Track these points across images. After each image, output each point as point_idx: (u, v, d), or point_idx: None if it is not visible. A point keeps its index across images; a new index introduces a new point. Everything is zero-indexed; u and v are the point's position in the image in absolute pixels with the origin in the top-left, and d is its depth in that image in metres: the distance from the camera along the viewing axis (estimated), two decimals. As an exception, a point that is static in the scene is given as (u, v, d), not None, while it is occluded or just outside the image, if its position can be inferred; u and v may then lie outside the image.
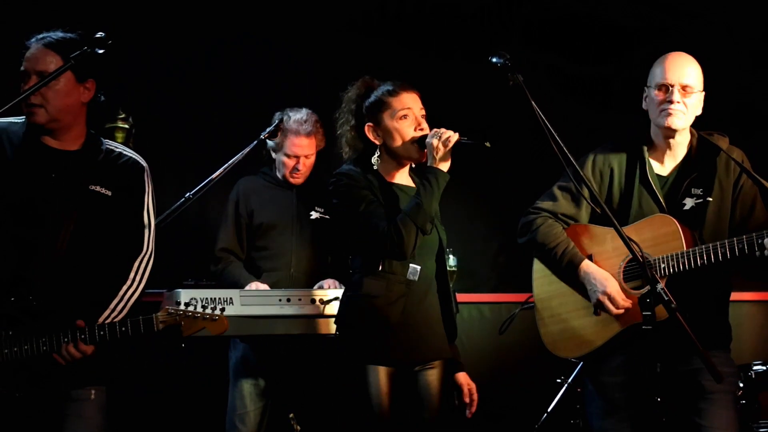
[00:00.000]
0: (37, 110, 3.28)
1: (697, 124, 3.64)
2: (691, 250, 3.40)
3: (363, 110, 3.76)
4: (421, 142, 3.68)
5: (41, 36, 3.35)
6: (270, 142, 4.62)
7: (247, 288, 4.36)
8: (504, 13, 6.22)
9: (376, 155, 3.73)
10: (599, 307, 3.55)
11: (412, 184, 3.79)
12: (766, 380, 4.40)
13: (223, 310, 3.31)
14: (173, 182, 5.35)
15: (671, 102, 3.51)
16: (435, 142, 3.61)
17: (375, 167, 3.73)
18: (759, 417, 4.36)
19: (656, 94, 3.55)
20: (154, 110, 5.48)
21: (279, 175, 4.70)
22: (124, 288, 3.36)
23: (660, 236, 3.47)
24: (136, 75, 5.23)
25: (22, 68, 3.33)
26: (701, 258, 3.37)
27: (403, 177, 3.78)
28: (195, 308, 3.29)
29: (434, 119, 6.16)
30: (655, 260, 3.45)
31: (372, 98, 3.74)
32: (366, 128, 3.74)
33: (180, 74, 5.63)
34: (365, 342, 3.59)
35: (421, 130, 3.70)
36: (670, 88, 3.52)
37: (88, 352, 3.22)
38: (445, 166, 3.62)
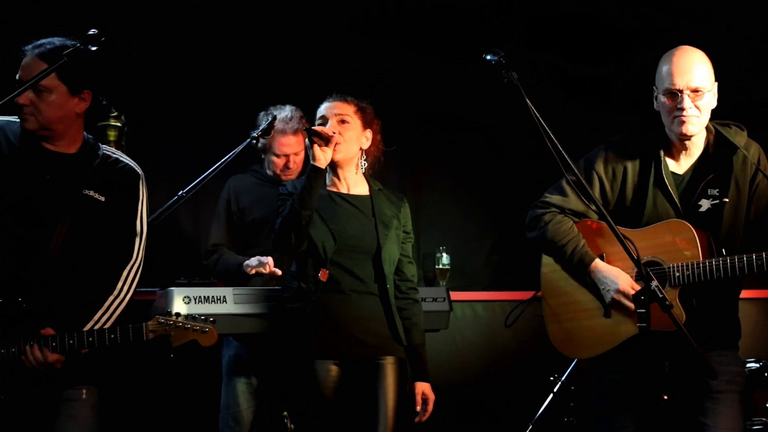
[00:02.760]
0: (29, 117, 3.27)
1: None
2: (707, 261, 3.34)
3: None
4: None
5: (38, 44, 3.31)
6: (259, 143, 4.62)
7: (248, 262, 4.37)
8: (504, 13, 6.22)
9: None
10: (614, 306, 3.49)
11: (361, 191, 3.92)
12: (760, 378, 4.40)
13: (213, 322, 3.29)
14: (166, 180, 5.35)
15: (683, 109, 3.41)
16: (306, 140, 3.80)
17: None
18: (753, 414, 4.36)
19: (666, 101, 3.46)
20: (148, 108, 5.48)
21: (269, 172, 4.70)
22: (111, 298, 3.34)
23: (675, 243, 3.42)
24: (129, 73, 5.22)
25: (17, 76, 3.31)
26: (717, 271, 3.32)
27: (343, 185, 3.89)
28: (186, 319, 3.28)
29: (434, 119, 6.20)
30: (669, 268, 3.41)
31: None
32: None
33: (176, 72, 5.63)
34: (293, 336, 3.73)
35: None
36: (680, 95, 3.41)
37: (55, 359, 3.19)
38: (317, 162, 3.72)
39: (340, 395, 3.69)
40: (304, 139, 4.65)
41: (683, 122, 3.44)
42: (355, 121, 3.86)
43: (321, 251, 3.72)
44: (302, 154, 4.67)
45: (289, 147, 4.61)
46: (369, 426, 3.72)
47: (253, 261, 4.37)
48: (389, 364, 3.77)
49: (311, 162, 3.72)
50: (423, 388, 3.89)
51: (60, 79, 3.26)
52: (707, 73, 3.45)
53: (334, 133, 3.74)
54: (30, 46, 3.32)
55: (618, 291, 3.46)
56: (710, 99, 3.46)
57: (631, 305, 3.42)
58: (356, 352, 3.72)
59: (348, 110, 3.87)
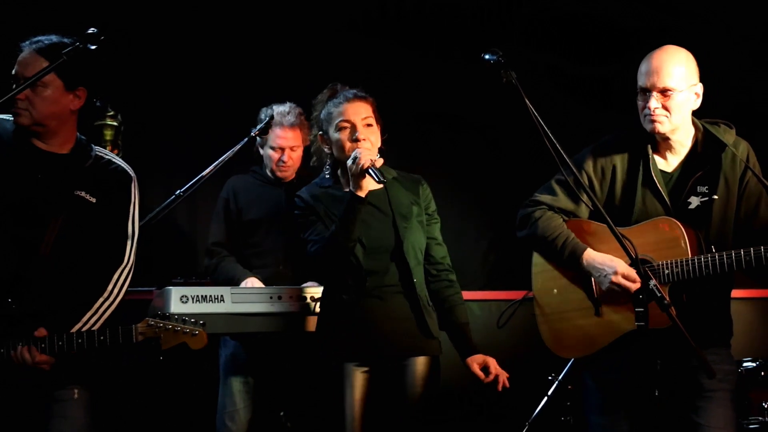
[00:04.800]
0: (22, 112, 3.27)
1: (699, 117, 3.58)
2: (695, 258, 3.36)
3: (319, 121, 3.81)
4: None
5: (35, 39, 3.32)
6: (258, 139, 4.61)
7: (242, 285, 4.37)
8: (504, 13, 6.22)
9: (327, 164, 3.81)
10: (611, 293, 3.47)
11: (375, 186, 3.71)
12: (755, 377, 4.41)
13: (203, 324, 3.29)
14: (165, 180, 5.35)
15: (650, 108, 3.44)
16: (349, 164, 3.60)
17: (328, 176, 3.80)
18: (749, 414, 4.37)
19: (638, 98, 3.50)
20: (148, 108, 5.48)
21: (268, 171, 4.71)
22: (100, 300, 3.33)
23: (664, 241, 3.43)
24: (129, 72, 5.22)
25: (13, 72, 3.31)
26: (706, 268, 3.34)
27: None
28: (176, 322, 3.27)
29: (434, 119, 6.20)
30: (658, 265, 3.42)
31: (324, 109, 3.79)
32: (319, 138, 3.82)
33: (175, 72, 5.64)
34: (323, 339, 3.68)
35: (356, 141, 3.67)
36: (648, 94, 3.45)
37: (43, 361, 3.19)
38: (361, 192, 3.59)
39: (369, 397, 3.63)
40: (302, 136, 4.64)
41: (651, 121, 3.47)
42: (375, 122, 3.76)
43: (354, 260, 3.64)
44: (299, 151, 4.67)
45: (285, 140, 4.61)
46: (395, 426, 3.66)
47: (248, 283, 4.39)
48: (419, 365, 3.69)
49: (352, 190, 3.59)
50: (477, 360, 3.76)
51: (56, 75, 3.25)
52: (681, 74, 3.44)
53: (377, 157, 3.62)
54: (27, 42, 3.33)
55: (616, 273, 3.45)
56: (684, 99, 3.46)
57: (632, 286, 3.39)
58: (386, 354, 3.65)
59: (370, 111, 3.74)
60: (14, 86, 3.26)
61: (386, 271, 3.69)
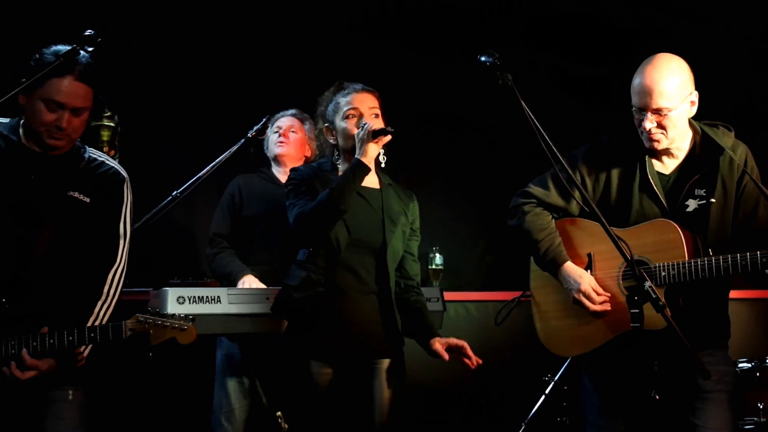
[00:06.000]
0: (65, 138, 3.25)
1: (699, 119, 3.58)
2: (692, 261, 3.36)
3: (326, 113, 3.87)
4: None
5: (81, 67, 3.19)
6: (264, 145, 4.66)
7: (239, 283, 4.39)
8: (504, 13, 6.23)
9: (335, 155, 3.84)
10: (578, 305, 3.52)
11: (372, 184, 3.82)
12: (751, 378, 4.41)
13: (193, 320, 3.29)
14: (160, 180, 5.35)
15: (644, 128, 3.44)
16: (358, 131, 3.68)
17: (338, 166, 3.82)
18: (745, 414, 4.37)
19: (634, 113, 3.48)
20: (148, 108, 5.49)
21: (274, 171, 4.75)
22: (99, 304, 3.34)
23: (661, 243, 3.43)
24: (124, 72, 5.22)
25: (55, 99, 3.17)
26: (702, 271, 3.34)
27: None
28: (164, 317, 3.27)
29: (433, 119, 6.19)
30: (655, 267, 3.42)
31: (331, 102, 3.84)
32: (325, 130, 3.86)
33: (175, 72, 5.65)
34: (294, 334, 3.70)
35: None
36: (642, 113, 3.43)
37: (33, 366, 3.19)
38: (366, 158, 3.66)
39: (335, 397, 3.64)
40: (301, 125, 4.68)
41: (649, 140, 3.48)
42: (381, 116, 3.80)
43: (335, 242, 3.65)
44: (301, 136, 4.73)
45: (284, 121, 4.71)
46: (364, 429, 3.67)
47: (245, 281, 4.40)
48: (385, 369, 3.70)
49: (358, 157, 3.64)
50: (440, 341, 3.70)
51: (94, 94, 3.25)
52: (674, 90, 3.41)
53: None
54: (68, 70, 3.19)
55: (578, 291, 3.50)
56: (679, 114, 3.44)
57: (591, 306, 3.48)
58: (352, 355, 3.65)
59: (377, 104, 3.80)
60: (46, 109, 3.18)
61: (365, 270, 3.71)
